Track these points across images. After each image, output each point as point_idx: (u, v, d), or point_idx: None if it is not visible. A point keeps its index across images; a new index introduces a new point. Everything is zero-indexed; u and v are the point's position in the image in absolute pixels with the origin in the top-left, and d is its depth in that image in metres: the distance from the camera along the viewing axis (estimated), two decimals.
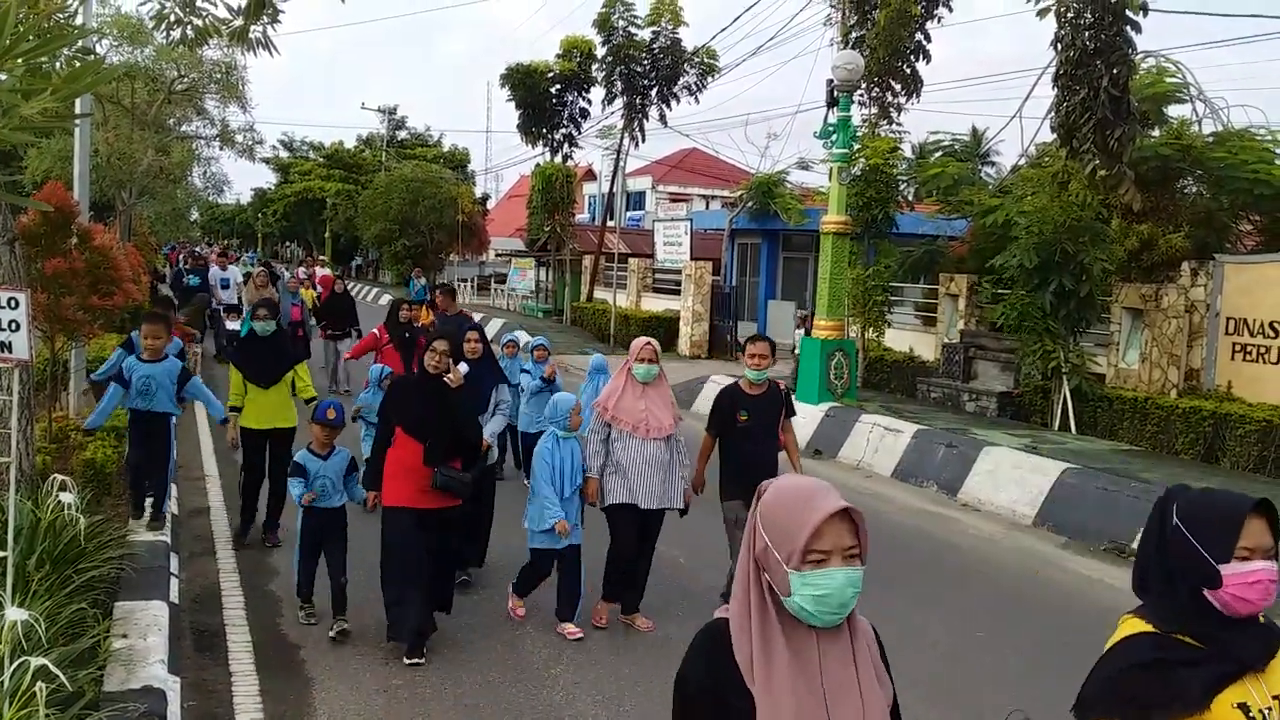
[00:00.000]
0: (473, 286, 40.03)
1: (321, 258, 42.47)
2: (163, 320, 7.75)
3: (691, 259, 24.83)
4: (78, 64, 4.71)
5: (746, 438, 6.57)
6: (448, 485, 5.87)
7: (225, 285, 19.45)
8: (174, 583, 6.61)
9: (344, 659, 5.81)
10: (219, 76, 26.44)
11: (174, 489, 8.92)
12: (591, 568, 6.57)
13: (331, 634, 6.08)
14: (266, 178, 66.72)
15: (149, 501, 7.56)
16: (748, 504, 5.03)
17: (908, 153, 20.27)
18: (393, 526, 5.94)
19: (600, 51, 28.83)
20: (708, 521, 7.16)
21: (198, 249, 47.67)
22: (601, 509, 6.41)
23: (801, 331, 16.70)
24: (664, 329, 25.05)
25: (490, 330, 27.67)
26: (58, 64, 4.58)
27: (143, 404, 7.41)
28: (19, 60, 2.79)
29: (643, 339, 6.63)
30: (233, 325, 17.47)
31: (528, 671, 5.74)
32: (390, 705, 5.29)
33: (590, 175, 45.16)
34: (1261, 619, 2.18)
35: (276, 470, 7.90)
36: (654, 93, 28.50)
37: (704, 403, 16.05)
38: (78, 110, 9.67)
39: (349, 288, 16.49)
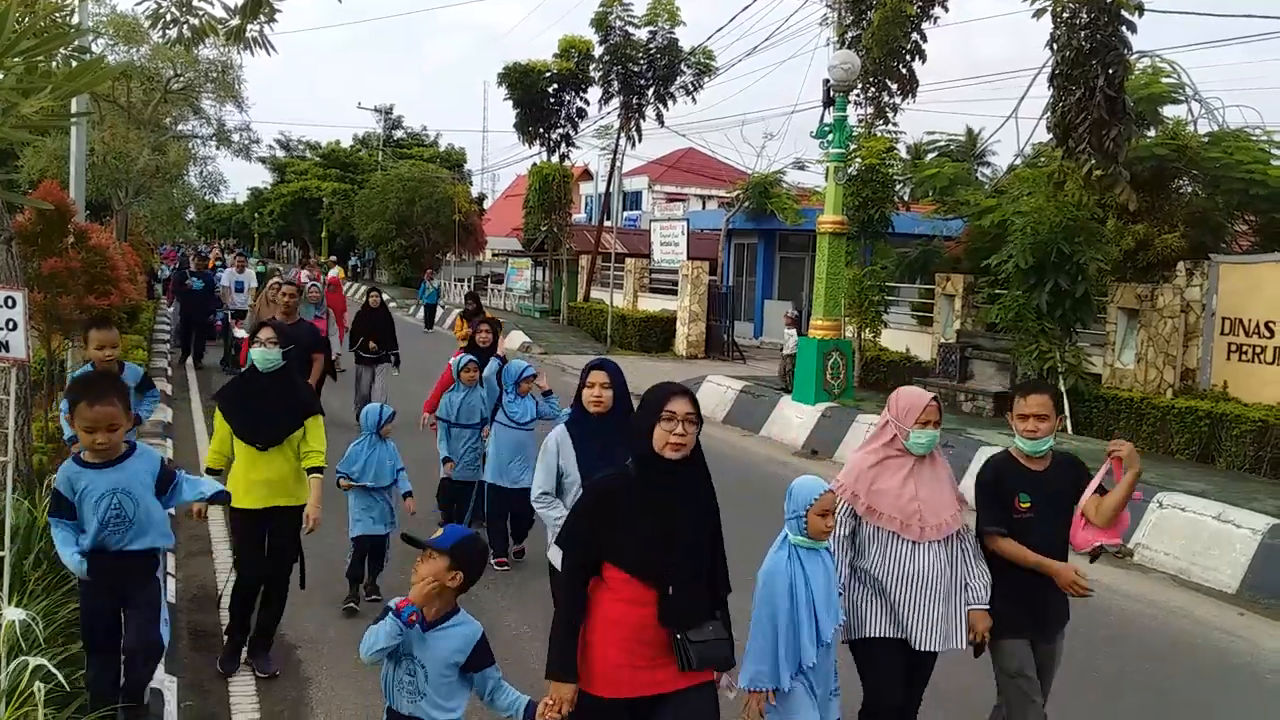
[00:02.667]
0: (470, 286, 40.04)
1: (332, 258, 39.73)
2: (107, 394, 4.23)
3: (688, 259, 24.86)
4: (74, 63, 4.72)
5: (1028, 532, 4.53)
6: (708, 658, 3.54)
7: (240, 289, 17.92)
8: (170, 582, 6.60)
9: (341, 658, 5.81)
10: (215, 76, 26.50)
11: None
12: None
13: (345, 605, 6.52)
14: (263, 177, 66.88)
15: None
16: (1039, 639, 4.67)
17: (903, 153, 20.29)
18: None
19: (598, 51, 28.87)
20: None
21: (202, 248, 47.16)
22: (846, 641, 4.38)
23: (793, 333, 16.73)
24: (660, 329, 25.09)
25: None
26: (54, 63, 4.58)
27: (112, 540, 4.23)
28: (18, 60, 2.79)
29: (920, 393, 4.48)
30: (240, 332, 16.14)
31: (526, 673, 5.74)
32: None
33: (587, 175, 45.19)
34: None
35: (278, 568, 5.65)
36: (651, 92, 28.54)
37: (701, 405, 16.05)
38: (75, 109, 9.67)
39: (385, 301, 13.41)
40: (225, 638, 5.73)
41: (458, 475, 8.08)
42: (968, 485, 11.13)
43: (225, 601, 5.92)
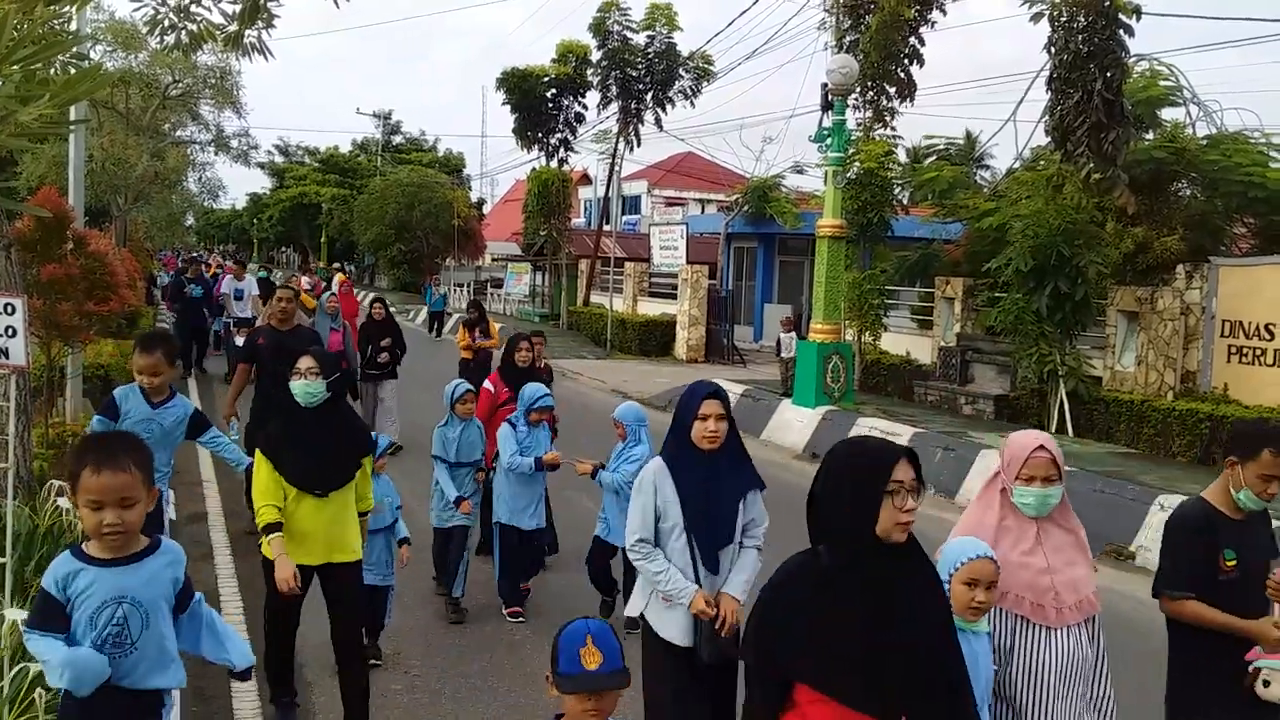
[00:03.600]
0: (469, 291, 40.05)
1: (335, 265, 38.19)
2: (120, 456, 3.00)
3: (687, 263, 24.87)
4: (73, 70, 4.71)
5: (1230, 596, 3.65)
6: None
7: (239, 297, 17.54)
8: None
9: None
10: (214, 81, 26.52)
11: (171, 494, 8.87)
12: None
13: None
14: (261, 183, 66.76)
15: None
16: None
17: (902, 157, 20.33)
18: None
19: (595, 56, 28.91)
20: None
21: (198, 254, 46.73)
22: None
23: (791, 336, 16.73)
24: (660, 333, 25.10)
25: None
26: (53, 70, 4.58)
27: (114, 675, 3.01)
28: (16, 67, 2.79)
29: (1027, 440, 3.38)
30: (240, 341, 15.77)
31: (528, 675, 5.74)
32: (389, 709, 5.28)
33: (586, 180, 45.20)
34: None
35: (348, 630, 4.91)
36: (649, 97, 28.60)
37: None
38: (73, 116, 9.67)
39: (389, 308, 12.55)
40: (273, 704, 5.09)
41: (454, 521, 6.72)
42: (972, 488, 11.17)
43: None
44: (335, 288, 24.23)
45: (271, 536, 4.56)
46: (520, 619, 6.68)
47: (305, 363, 4.80)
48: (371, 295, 16.24)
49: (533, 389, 6.79)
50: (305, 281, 20.33)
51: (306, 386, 4.77)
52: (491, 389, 7.58)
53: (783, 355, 17.17)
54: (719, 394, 4.10)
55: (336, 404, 4.92)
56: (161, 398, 5.46)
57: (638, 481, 4.16)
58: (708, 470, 4.03)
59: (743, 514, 4.10)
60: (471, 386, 7.07)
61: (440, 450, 6.83)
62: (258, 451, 4.75)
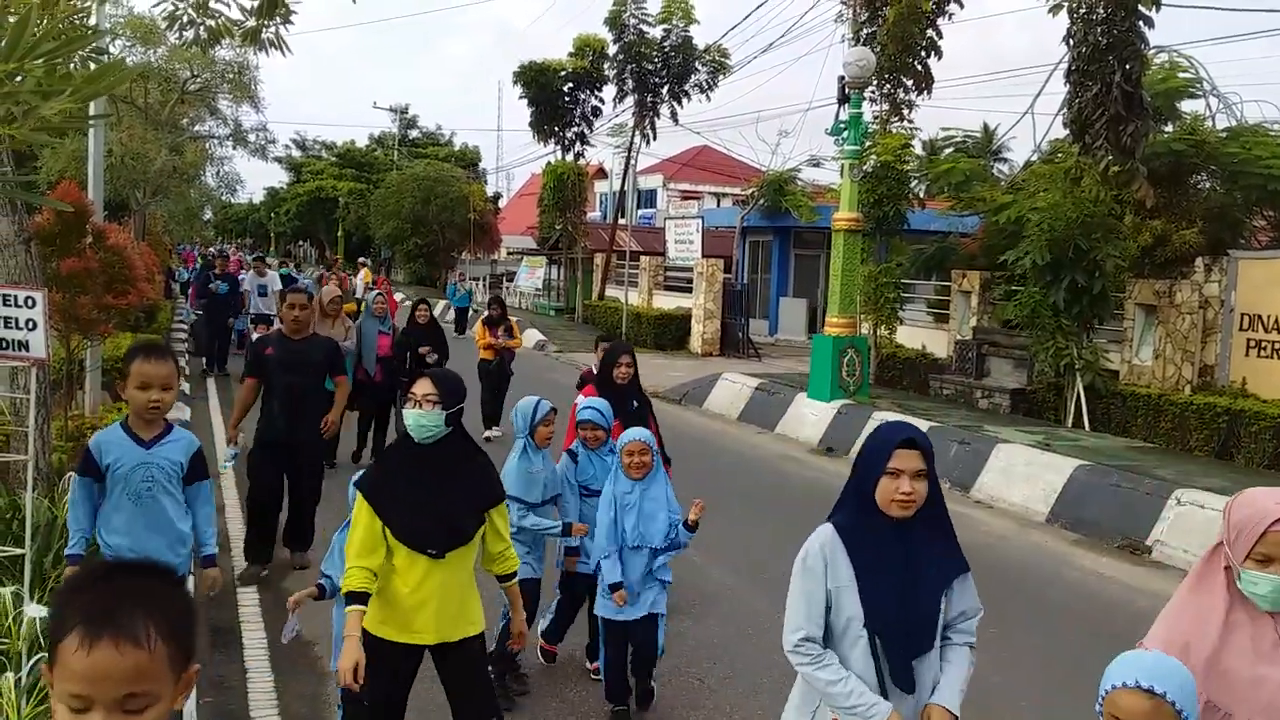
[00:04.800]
0: (484, 285, 40.11)
1: (361, 260, 35.78)
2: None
3: (703, 256, 24.85)
4: (93, 65, 4.75)
5: None
6: None
7: (263, 293, 17.43)
8: (189, 580, 6.64)
9: None
10: (231, 76, 26.63)
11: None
12: None
13: None
14: (279, 177, 67.13)
15: None
16: None
17: (919, 149, 20.25)
18: None
19: (612, 49, 28.90)
20: (718, 518, 7.17)
21: (220, 249, 46.36)
22: None
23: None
24: (675, 327, 25.10)
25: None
26: (73, 65, 4.62)
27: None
28: (38, 62, 2.82)
29: (1263, 505, 2.49)
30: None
31: (540, 667, 5.76)
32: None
33: (601, 173, 45.18)
34: None
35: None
36: (665, 90, 28.58)
37: (716, 403, 16.08)
38: (93, 111, 9.73)
39: (431, 311, 11.56)
40: None
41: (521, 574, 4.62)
42: (985, 483, 11.15)
43: None
44: (361, 282, 23.48)
45: (352, 609, 3.58)
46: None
47: (422, 387, 3.78)
48: (415, 296, 14.35)
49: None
50: (333, 284, 18.86)
51: (421, 417, 3.74)
52: (578, 406, 5.90)
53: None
54: (917, 441, 2.97)
55: (460, 440, 3.92)
56: (155, 432, 4.25)
57: (800, 557, 3.06)
58: (900, 547, 2.96)
59: (946, 610, 3.04)
60: (553, 404, 5.53)
61: (522, 490, 5.20)
62: (358, 498, 3.80)
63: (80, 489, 4.19)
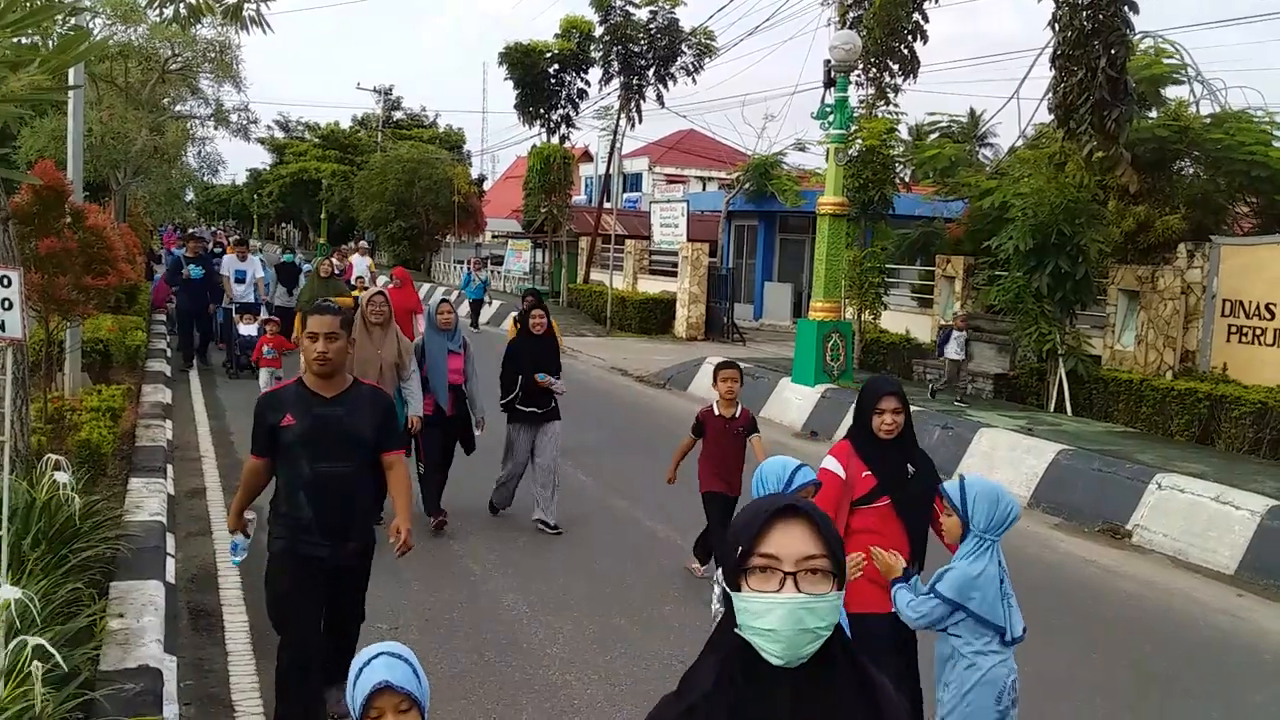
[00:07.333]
0: (468, 267, 39.94)
1: (361, 244, 30.87)
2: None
3: (688, 240, 24.81)
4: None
5: None
6: None
7: (241, 279, 15.77)
8: (170, 563, 6.61)
9: None
10: (213, 55, 26.36)
11: (169, 469, 8.88)
12: None
13: None
14: (262, 158, 66.81)
15: None
16: None
17: (904, 134, 20.24)
18: None
19: (598, 31, 28.76)
20: (698, 500, 7.17)
21: (197, 229, 45.52)
22: None
23: (964, 335, 14.05)
24: (660, 311, 25.09)
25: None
26: (50, 42, 4.55)
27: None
28: (6, 30, 2.77)
29: None
30: (247, 329, 14.35)
31: (523, 651, 5.76)
32: None
33: (587, 156, 45.03)
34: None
35: None
36: (651, 73, 28.44)
37: (700, 387, 16.08)
38: (71, 86, 9.61)
39: (549, 317, 8.48)
40: None
41: None
42: (967, 466, 11.17)
43: None
44: (362, 268, 20.49)
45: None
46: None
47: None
48: (528, 297, 10.08)
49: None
50: (335, 264, 16.85)
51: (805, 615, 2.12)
52: (839, 470, 4.39)
53: (950, 356, 13.91)
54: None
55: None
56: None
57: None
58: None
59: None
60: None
61: None
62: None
63: None
